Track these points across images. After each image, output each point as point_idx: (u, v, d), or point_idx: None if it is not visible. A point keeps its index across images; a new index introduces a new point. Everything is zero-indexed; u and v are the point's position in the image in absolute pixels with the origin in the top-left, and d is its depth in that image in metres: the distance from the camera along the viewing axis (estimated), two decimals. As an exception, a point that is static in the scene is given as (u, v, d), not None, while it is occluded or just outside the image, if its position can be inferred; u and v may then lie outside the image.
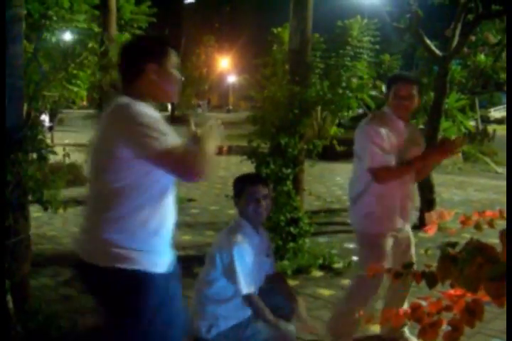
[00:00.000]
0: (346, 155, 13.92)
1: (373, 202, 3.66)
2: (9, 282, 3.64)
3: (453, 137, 3.53)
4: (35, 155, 3.86)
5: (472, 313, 1.25)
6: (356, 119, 12.04)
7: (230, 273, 3.10)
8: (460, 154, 15.13)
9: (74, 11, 5.95)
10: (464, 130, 10.66)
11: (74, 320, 4.17)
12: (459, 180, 12.52)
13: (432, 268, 1.42)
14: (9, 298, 3.66)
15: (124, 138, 2.20)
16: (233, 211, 4.11)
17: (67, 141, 15.82)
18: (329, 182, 12.15)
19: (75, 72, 5.69)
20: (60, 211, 4.17)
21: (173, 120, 37.16)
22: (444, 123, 9.43)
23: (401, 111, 3.64)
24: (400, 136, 3.63)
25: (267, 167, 5.67)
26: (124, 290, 2.31)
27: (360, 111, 13.55)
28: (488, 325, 4.22)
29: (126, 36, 9.23)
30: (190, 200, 9.44)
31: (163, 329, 2.34)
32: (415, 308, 1.43)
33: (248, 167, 6.09)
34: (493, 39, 10.36)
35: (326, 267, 5.68)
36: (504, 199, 9.51)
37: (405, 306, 3.71)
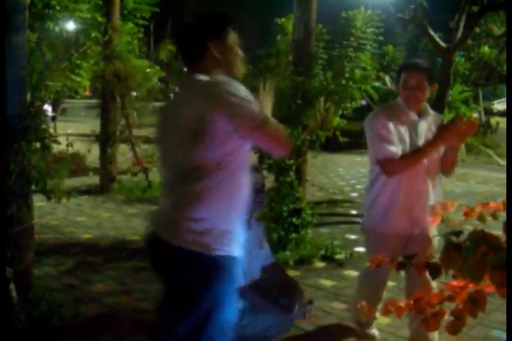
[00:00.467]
0: (349, 147, 13.95)
1: (374, 197, 3.55)
2: (12, 271, 3.66)
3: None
4: (38, 145, 3.86)
5: (475, 303, 1.26)
6: (359, 110, 12.03)
7: None
8: (463, 146, 15.10)
9: (77, 0, 5.94)
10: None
11: (77, 309, 4.20)
12: (461, 172, 12.49)
13: (434, 259, 1.42)
14: (12, 286, 3.67)
15: (223, 112, 2.21)
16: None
17: (70, 131, 15.82)
18: (332, 173, 12.15)
19: (78, 62, 5.70)
20: (63, 200, 4.18)
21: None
22: (448, 115, 9.41)
23: (411, 102, 3.41)
24: (412, 128, 3.43)
25: (270, 157, 5.67)
26: (196, 274, 2.29)
27: (363, 102, 13.55)
28: (489, 316, 4.23)
29: (130, 26, 9.20)
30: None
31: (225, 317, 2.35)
32: (418, 299, 1.44)
33: (251, 157, 6.09)
34: (497, 31, 10.32)
35: (327, 258, 5.69)
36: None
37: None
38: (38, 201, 4.67)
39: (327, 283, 5.05)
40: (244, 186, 2.40)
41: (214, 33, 2.46)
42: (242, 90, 2.25)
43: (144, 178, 9.18)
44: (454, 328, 1.29)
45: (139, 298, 4.57)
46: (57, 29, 5.70)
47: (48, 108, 13.27)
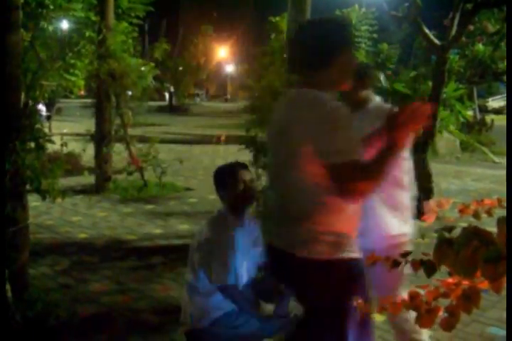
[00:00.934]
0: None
1: None
2: (8, 271, 3.65)
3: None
4: (33, 145, 3.85)
5: (469, 299, 1.26)
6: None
7: (206, 263, 3.07)
8: (458, 144, 15.14)
9: (71, -1, 5.92)
10: (462, 119, 10.66)
11: (73, 309, 4.19)
12: (456, 170, 12.53)
13: (429, 256, 1.42)
14: (8, 286, 3.67)
15: (310, 137, 2.12)
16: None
17: (66, 131, 15.80)
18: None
19: (72, 61, 5.68)
20: (59, 200, 4.17)
21: (172, 110, 37.13)
22: (442, 113, 9.43)
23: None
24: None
25: (265, 156, 5.67)
26: (321, 281, 2.27)
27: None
28: (485, 313, 4.24)
29: (124, 25, 9.18)
30: (188, 189, 9.45)
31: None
32: (413, 296, 1.44)
33: (246, 156, 6.09)
34: (491, 28, 10.34)
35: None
36: (501, 188, 9.53)
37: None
38: (34, 201, 4.66)
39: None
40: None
41: (341, 45, 2.25)
42: (337, 113, 2.13)
43: (140, 177, 9.18)
44: (448, 325, 1.29)
45: (135, 298, 4.57)
46: (51, 28, 5.69)
47: (42, 108, 13.25)
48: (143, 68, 9.06)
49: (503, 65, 11.02)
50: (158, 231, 6.58)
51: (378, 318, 4.04)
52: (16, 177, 3.75)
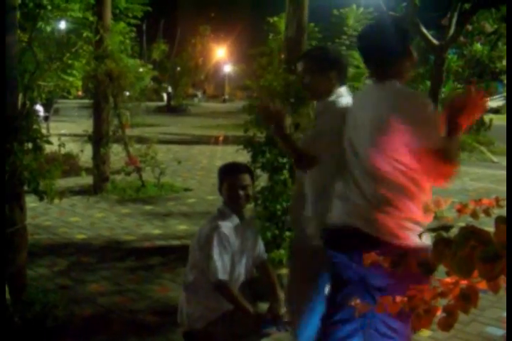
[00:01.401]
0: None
1: None
2: (6, 272, 3.64)
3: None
4: (30, 145, 3.84)
5: (467, 299, 1.26)
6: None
7: (206, 260, 3.08)
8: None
9: (68, -1, 5.91)
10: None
11: (71, 310, 4.18)
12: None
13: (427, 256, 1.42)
14: (6, 288, 3.66)
15: (408, 126, 2.28)
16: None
17: (63, 131, 15.76)
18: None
19: (70, 61, 5.66)
20: (56, 201, 4.16)
21: (170, 110, 37.08)
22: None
23: None
24: None
25: (263, 156, 5.66)
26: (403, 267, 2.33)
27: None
28: (483, 312, 4.24)
29: (122, 25, 9.17)
30: (186, 190, 9.43)
31: None
32: (412, 296, 1.43)
33: (244, 156, 6.08)
34: (489, 28, 10.34)
35: (322, 256, 5.67)
36: (500, 188, 9.53)
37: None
38: (31, 202, 4.65)
39: (322, 281, 5.05)
40: None
41: (411, 38, 2.54)
42: (429, 105, 2.32)
43: (138, 178, 9.17)
44: (446, 324, 1.29)
45: (133, 298, 4.56)
46: (48, 29, 5.68)
47: (39, 108, 13.23)
48: (141, 69, 9.05)
49: (500, 65, 11.03)
50: (156, 231, 6.57)
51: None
52: (13, 178, 3.74)
